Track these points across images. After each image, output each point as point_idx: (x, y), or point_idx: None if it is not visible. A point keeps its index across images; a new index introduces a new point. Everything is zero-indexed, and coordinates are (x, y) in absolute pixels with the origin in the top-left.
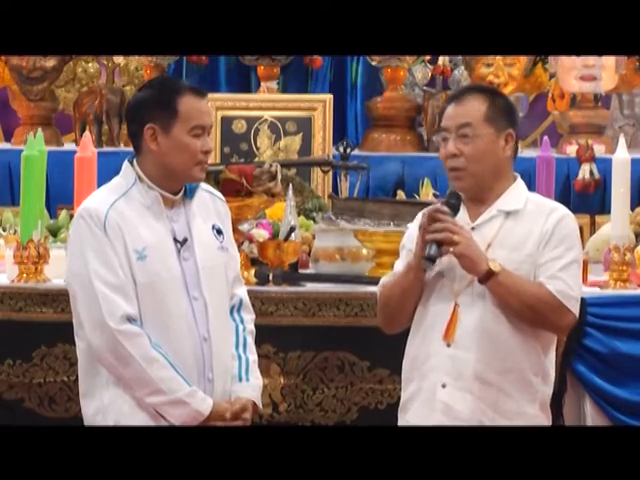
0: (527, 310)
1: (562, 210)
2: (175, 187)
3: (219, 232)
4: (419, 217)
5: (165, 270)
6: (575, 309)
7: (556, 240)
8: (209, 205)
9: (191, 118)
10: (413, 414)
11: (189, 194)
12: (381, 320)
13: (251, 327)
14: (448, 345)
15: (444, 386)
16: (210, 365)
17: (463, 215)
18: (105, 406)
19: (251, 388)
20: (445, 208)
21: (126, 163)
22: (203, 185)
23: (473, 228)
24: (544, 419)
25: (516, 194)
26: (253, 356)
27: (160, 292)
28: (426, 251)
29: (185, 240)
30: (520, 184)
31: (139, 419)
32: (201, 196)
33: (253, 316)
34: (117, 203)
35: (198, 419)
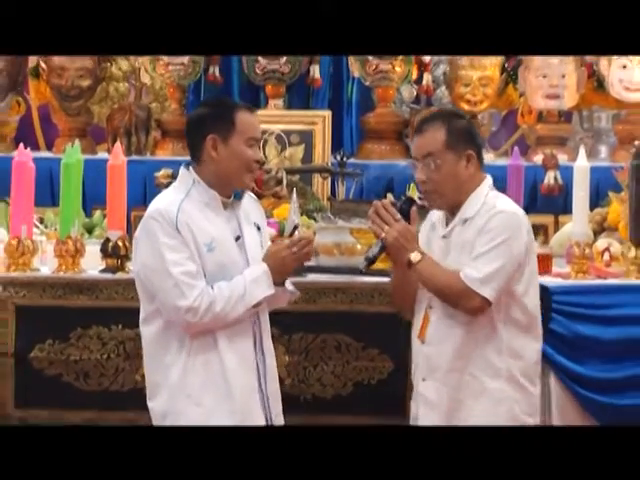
0: (439, 294)
1: (499, 208)
2: (227, 192)
3: (258, 229)
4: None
5: (228, 261)
6: (482, 290)
7: (483, 234)
8: (250, 205)
9: (247, 130)
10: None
11: (238, 196)
12: (397, 309)
13: None
14: (423, 342)
15: (424, 380)
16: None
17: (440, 226)
18: (173, 390)
19: None
20: (387, 202)
21: (183, 169)
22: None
23: (444, 236)
24: (512, 391)
25: (473, 202)
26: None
27: (224, 278)
28: (368, 252)
29: (238, 237)
30: (478, 192)
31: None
32: (246, 197)
33: None
34: (183, 204)
35: (269, 272)
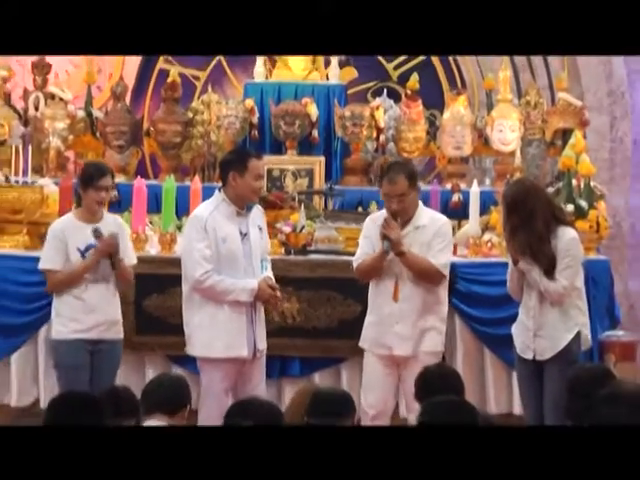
0: (420, 272)
1: (443, 219)
2: (241, 205)
3: (260, 229)
4: (371, 218)
5: (236, 248)
6: (445, 272)
7: (437, 235)
8: (256, 214)
9: (254, 170)
10: (376, 331)
11: (248, 209)
12: (361, 278)
13: (270, 270)
14: (396, 301)
15: (397, 322)
16: None
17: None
18: (194, 326)
19: (268, 274)
20: (390, 217)
21: (217, 191)
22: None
23: (402, 236)
24: (442, 326)
25: (420, 215)
26: (269, 273)
27: (233, 259)
28: (385, 247)
29: (246, 234)
30: (420, 209)
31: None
32: (254, 209)
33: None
34: (212, 213)
35: (255, 291)
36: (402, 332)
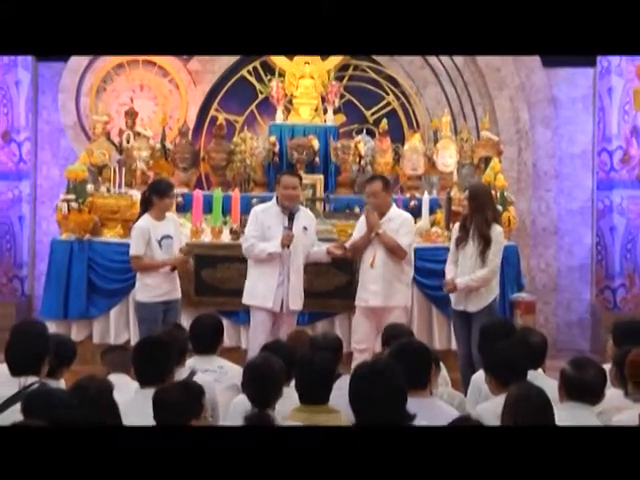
0: (391, 249)
1: (405, 215)
2: (285, 206)
3: (305, 229)
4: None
5: (276, 235)
6: (407, 249)
7: (402, 225)
8: (305, 217)
9: (283, 182)
10: (359, 289)
11: (295, 210)
12: (351, 254)
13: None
14: (372, 267)
15: (371, 283)
16: (288, 267)
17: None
18: (247, 283)
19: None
20: (371, 209)
21: (274, 197)
22: (302, 207)
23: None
24: (407, 290)
25: (391, 212)
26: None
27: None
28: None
29: (286, 228)
30: (393, 209)
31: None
32: (301, 211)
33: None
34: (264, 210)
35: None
36: (375, 289)
